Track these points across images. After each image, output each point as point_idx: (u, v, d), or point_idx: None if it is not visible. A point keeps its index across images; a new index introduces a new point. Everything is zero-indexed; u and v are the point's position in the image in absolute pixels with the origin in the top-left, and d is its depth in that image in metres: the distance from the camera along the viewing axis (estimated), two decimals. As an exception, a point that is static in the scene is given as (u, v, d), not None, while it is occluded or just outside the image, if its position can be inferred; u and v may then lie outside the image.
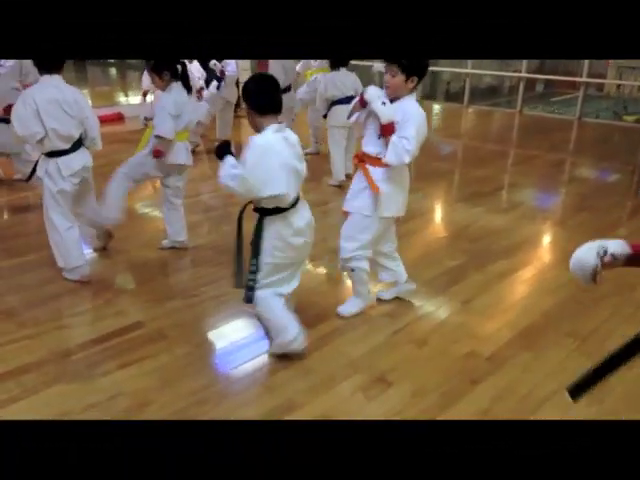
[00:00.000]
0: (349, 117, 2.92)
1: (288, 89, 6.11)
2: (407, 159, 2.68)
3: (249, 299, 2.57)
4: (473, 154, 7.18)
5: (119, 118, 8.26)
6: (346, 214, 2.98)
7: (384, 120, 2.66)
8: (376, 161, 2.80)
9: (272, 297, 2.59)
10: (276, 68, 6.01)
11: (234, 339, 2.90)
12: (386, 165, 2.76)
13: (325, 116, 5.57)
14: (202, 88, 6.38)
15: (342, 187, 5.45)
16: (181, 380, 2.56)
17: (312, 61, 6.52)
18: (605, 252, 1.46)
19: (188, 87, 3.71)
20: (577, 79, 9.39)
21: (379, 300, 3.24)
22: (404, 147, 2.66)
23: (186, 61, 6.00)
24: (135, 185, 3.84)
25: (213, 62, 6.41)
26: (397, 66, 2.66)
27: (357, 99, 2.84)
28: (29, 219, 4.54)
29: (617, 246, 1.47)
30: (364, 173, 2.85)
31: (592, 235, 4.69)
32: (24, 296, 3.32)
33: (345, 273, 3.65)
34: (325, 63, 6.12)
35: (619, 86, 11.08)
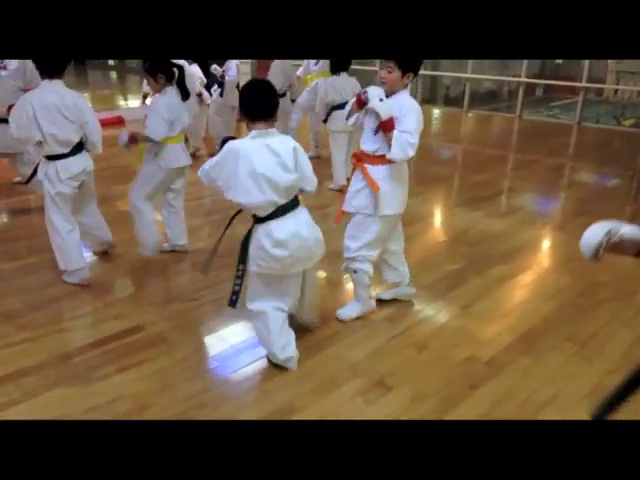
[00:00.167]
0: (347, 119, 2.93)
1: (283, 94, 6.11)
2: (411, 152, 2.69)
3: (232, 303, 2.60)
4: (473, 159, 7.19)
5: (119, 122, 8.26)
6: (345, 214, 2.99)
7: (384, 116, 2.67)
8: (375, 159, 2.80)
9: (271, 311, 2.59)
10: (276, 72, 6.02)
11: (233, 343, 2.90)
12: (387, 162, 2.76)
13: (325, 120, 5.58)
14: (201, 92, 6.39)
15: (342, 191, 5.46)
16: (180, 384, 2.56)
17: (312, 66, 6.53)
18: (616, 233, 1.47)
19: (185, 92, 3.68)
20: (577, 84, 9.41)
21: (379, 301, 3.24)
22: (407, 140, 2.67)
23: (186, 64, 6.05)
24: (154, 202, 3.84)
25: (214, 67, 6.42)
26: (394, 62, 2.69)
27: (353, 100, 2.85)
28: (29, 222, 4.55)
29: (631, 231, 1.46)
30: (363, 172, 2.85)
31: (591, 240, 4.61)
32: (24, 299, 3.32)
33: (346, 276, 3.66)
34: (326, 67, 6.13)
35: (616, 91, 11.10)
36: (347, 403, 2.46)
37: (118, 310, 3.21)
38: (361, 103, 2.76)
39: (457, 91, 11.26)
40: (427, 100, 10.61)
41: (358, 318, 3.10)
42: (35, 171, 3.47)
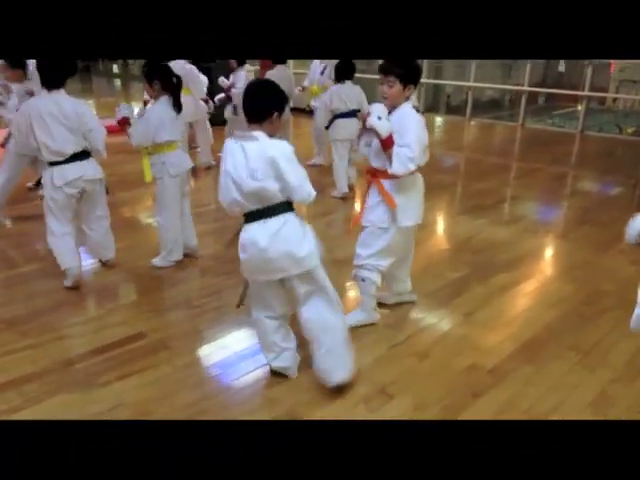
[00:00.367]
0: (359, 143, 2.94)
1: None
2: (411, 166, 2.68)
3: (238, 305, 2.65)
4: (475, 167, 7.19)
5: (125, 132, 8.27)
6: (363, 228, 3.00)
7: (383, 134, 2.67)
8: (387, 174, 2.79)
9: (263, 319, 2.58)
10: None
11: (235, 350, 2.90)
12: (394, 177, 2.76)
13: (327, 127, 5.60)
14: (207, 100, 6.39)
15: (345, 199, 5.47)
16: (182, 391, 2.55)
17: (317, 75, 6.56)
18: None
19: (178, 105, 3.63)
20: (579, 93, 9.42)
21: (380, 305, 3.22)
22: (406, 155, 2.66)
23: (195, 71, 6.06)
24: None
25: (221, 79, 6.42)
26: (394, 76, 2.70)
27: (361, 126, 2.84)
28: (36, 228, 4.55)
29: None
30: (379, 188, 2.85)
31: (594, 248, 4.70)
32: (27, 305, 3.33)
33: (350, 283, 3.66)
34: (328, 80, 6.16)
35: (615, 99, 11.10)
36: (349, 411, 2.45)
37: (120, 317, 3.21)
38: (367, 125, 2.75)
39: (458, 99, 11.28)
40: (429, 108, 10.61)
41: (360, 326, 3.09)
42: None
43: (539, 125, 10.05)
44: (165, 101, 3.59)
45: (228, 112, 6.37)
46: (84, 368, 2.73)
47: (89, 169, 3.42)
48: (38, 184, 3.83)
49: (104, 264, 3.83)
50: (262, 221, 2.34)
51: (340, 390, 2.56)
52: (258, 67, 8.14)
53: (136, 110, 3.90)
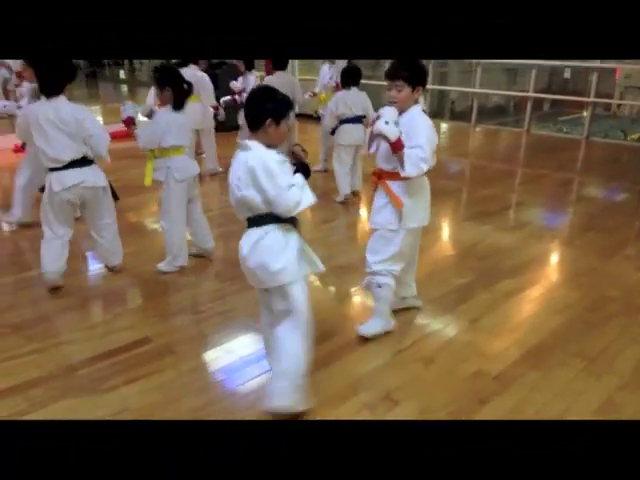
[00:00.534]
0: (369, 148, 2.93)
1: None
2: (425, 167, 2.68)
3: None
4: (481, 173, 7.19)
5: (130, 134, 8.32)
6: (372, 231, 3.00)
7: (392, 138, 2.66)
8: (394, 175, 2.79)
9: (264, 326, 2.58)
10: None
11: (240, 355, 2.90)
12: (406, 179, 2.75)
13: (333, 133, 5.62)
14: (218, 107, 6.41)
15: (347, 204, 5.48)
16: (187, 396, 2.56)
17: (327, 80, 6.58)
18: None
19: (180, 106, 3.65)
20: (584, 99, 9.41)
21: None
22: (418, 156, 2.66)
23: (205, 78, 6.07)
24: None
25: (233, 82, 6.44)
26: (402, 80, 2.71)
27: (370, 131, 2.82)
28: (39, 233, 4.58)
29: None
30: (385, 190, 2.86)
31: (600, 254, 4.68)
32: (33, 310, 3.34)
33: (354, 289, 3.67)
34: (333, 83, 6.18)
35: (619, 106, 11.08)
36: (353, 417, 2.44)
37: (126, 322, 3.22)
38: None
39: (463, 105, 11.28)
40: (434, 114, 10.62)
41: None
42: None
43: (544, 131, 10.04)
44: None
45: (242, 118, 6.40)
46: (89, 373, 2.74)
47: (89, 176, 3.40)
48: (42, 189, 3.84)
49: (110, 269, 3.84)
50: (250, 229, 2.32)
51: (345, 396, 2.56)
52: (263, 73, 8.17)
53: (139, 108, 3.91)
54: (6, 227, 4.78)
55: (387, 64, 3.01)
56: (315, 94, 6.77)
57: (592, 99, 8.96)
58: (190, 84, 3.71)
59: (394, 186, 2.84)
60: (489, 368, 2.80)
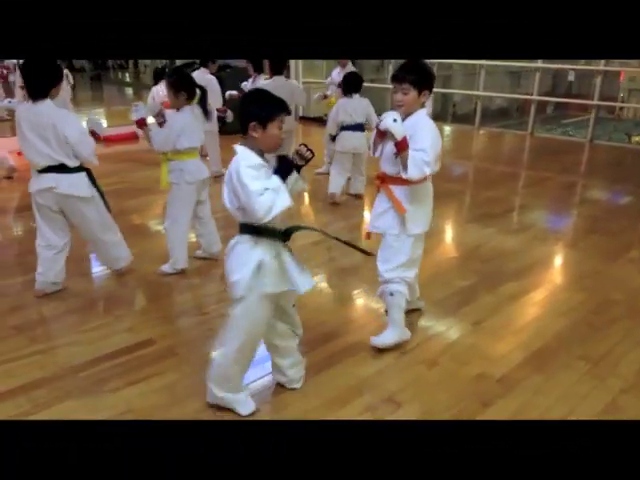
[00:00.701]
0: (374, 153, 2.89)
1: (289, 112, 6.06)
2: (427, 170, 2.66)
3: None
4: (484, 175, 7.19)
5: (134, 137, 8.36)
6: (370, 235, 2.98)
7: (398, 136, 2.61)
8: (398, 180, 2.76)
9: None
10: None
11: (244, 357, 2.90)
12: (408, 182, 2.73)
13: (334, 139, 5.64)
14: (226, 109, 6.42)
15: (350, 207, 5.48)
16: (189, 398, 2.56)
17: (335, 79, 6.59)
18: None
19: (206, 112, 3.79)
20: (588, 102, 9.40)
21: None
22: (422, 159, 2.64)
23: (213, 80, 6.08)
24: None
25: (244, 84, 6.45)
26: (408, 83, 2.69)
27: (375, 133, 2.81)
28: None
29: None
30: (388, 194, 2.84)
31: (604, 257, 4.66)
32: (36, 311, 3.35)
33: (357, 291, 3.66)
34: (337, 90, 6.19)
35: (621, 108, 11.07)
36: (356, 419, 2.44)
37: (129, 323, 3.23)
38: (382, 134, 2.72)
39: (466, 108, 11.29)
40: (437, 117, 10.63)
41: (367, 333, 3.08)
42: None
43: (548, 134, 10.04)
44: (189, 110, 3.67)
45: None
46: (93, 374, 2.74)
47: (64, 183, 3.27)
48: None
49: (114, 271, 3.85)
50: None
51: (347, 398, 2.56)
52: (267, 76, 8.18)
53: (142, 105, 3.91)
54: None
55: (391, 67, 3.01)
56: (326, 96, 6.78)
57: (596, 102, 8.95)
58: (203, 88, 3.78)
59: (397, 191, 2.82)
60: (492, 371, 2.79)
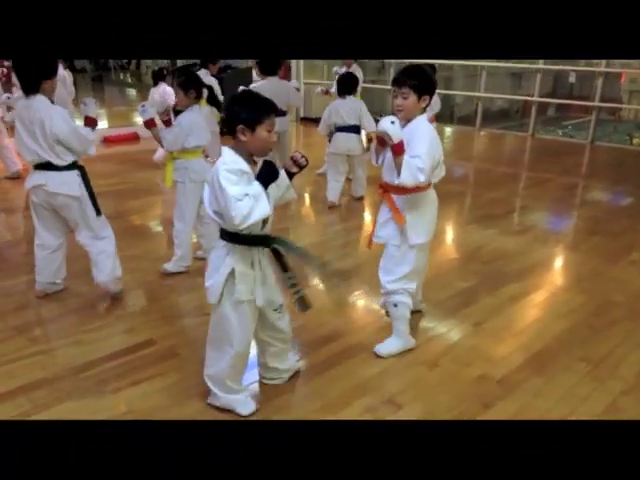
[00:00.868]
0: (376, 162, 2.87)
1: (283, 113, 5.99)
2: (421, 177, 2.59)
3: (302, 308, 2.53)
4: (485, 177, 7.19)
5: (135, 138, 8.37)
6: (373, 246, 2.96)
7: (395, 139, 2.55)
8: (400, 189, 2.71)
9: None
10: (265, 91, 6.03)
11: (244, 358, 2.90)
12: (413, 191, 2.69)
13: (330, 140, 5.64)
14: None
15: (350, 209, 5.47)
16: (191, 399, 2.56)
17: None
18: None
19: (218, 105, 3.81)
20: (590, 103, 9.40)
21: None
22: (416, 165, 2.58)
23: (214, 82, 6.09)
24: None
25: (252, 85, 6.45)
26: (408, 87, 2.65)
27: (376, 142, 2.77)
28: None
29: None
30: (389, 204, 2.80)
31: (604, 259, 4.66)
32: (37, 312, 3.36)
33: (357, 293, 3.67)
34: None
35: (621, 109, 11.05)
36: (356, 419, 2.44)
37: (130, 324, 3.23)
38: (383, 142, 2.65)
39: (467, 110, 11.27)
40: (437, 118, 10.61)
41: (368, 334, 3.08)
42: None
43: (549, 135, 10.03)
44: (197, 109, 3.74)
45: None
46: (93, 375, 2.74)
47: (54, 181, 3.20)
48: None
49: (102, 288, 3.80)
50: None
51: (348, 399, 2.56)
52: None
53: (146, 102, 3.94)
54: None
55: (392, 68, 3.00)
56: (328, 91, 6.77)
57: (597, 103, 8.95)
58: (210, 86, 3.81)
59: (399, 201, 2.78)
60: (493, 372, 2.79)
